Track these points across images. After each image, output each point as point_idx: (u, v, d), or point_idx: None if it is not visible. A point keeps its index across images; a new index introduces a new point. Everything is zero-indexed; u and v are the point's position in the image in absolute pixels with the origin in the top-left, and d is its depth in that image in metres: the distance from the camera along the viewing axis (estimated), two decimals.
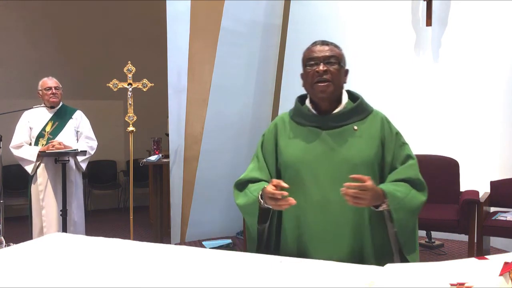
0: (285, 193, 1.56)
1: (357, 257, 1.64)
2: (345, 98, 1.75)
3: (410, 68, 4.64)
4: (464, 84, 4.45)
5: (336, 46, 1.74)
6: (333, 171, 1.64)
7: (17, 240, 2.05)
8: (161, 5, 4.64)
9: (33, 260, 1.57)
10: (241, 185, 1.79)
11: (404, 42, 4.65)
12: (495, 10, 4.28)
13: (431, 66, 4.60)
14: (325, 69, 1.65)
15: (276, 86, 5.01)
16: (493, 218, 3.45)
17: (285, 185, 1.58)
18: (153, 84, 4.21)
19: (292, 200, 1.55)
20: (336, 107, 1.72)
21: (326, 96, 1.68)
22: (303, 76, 1.75)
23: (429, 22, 4.46)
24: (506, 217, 3.43)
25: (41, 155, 3.60)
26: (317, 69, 1.66)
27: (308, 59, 1.70)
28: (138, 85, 4.19)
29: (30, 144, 3.69)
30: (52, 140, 3.61)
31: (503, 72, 4.30)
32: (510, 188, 3.67)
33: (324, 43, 1.72)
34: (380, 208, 1.61)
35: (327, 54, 1.68)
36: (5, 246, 1.87)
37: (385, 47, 4.63)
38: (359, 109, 1.73)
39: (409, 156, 1.72)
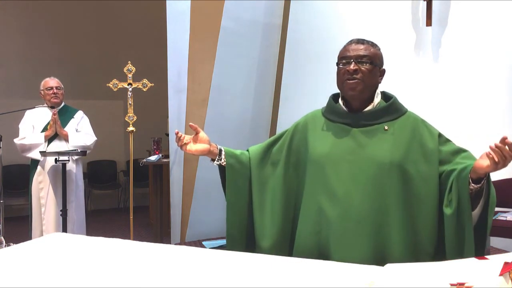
0: (178, 133, 1.77)
1: (379, 256, 1.59)
2: (377, 97, 1.74)
3: (410, 68, 4.63)
4: (464, 84, 4.45)
5: (372, 44, 1.74)
6: (358, 169, 1.62)
7: (17, 240, 2.05)
8: (161, 5, 4.64)
9: (33, 260, 1.57)
10: None
11: (404, 42, 4.65)
12: (495, 10, 4.28)
13: (431, 66, 4.60)
14: (356, 68, 1.65)
15: (276, 86, 5.00)
16: (493, 218, 3.45)
17: (193, 125, 1.78)
18: (153, 84, 4.21)
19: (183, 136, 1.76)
20: (368, 106, 1.72)
21: (355, 94, 1.67)
22: (336, 73, 1.74)
23: (429, 22, 4.46)
24: (506, 217, 3.43)
25: (42, 155, 3.61)
26: (347, 68, 1.66)
27: (341, 58, 1.71)
28: (138, 85, 4.19)
29: None
30: (57, 120, 3.61)
31: (503, 72, 4.30)
32: (510, 188, 3.67)
33: (359, 41, 1.72)
34: (480, 184, 1.56)
35: (360, 53, 1.67)
36: (5, 246, 1.86)
37: (385, 47, 4.61)
38: (391, 109, 1.72)
39: (461, 149, 1.71)
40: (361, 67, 1.65)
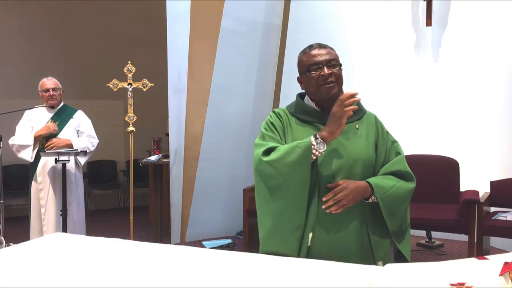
0: (357, 97, 1.64)
1: (365, 247, 1.73)
2: None
3: (410, 68, 4.63)
4: (464, 84, 4.45)
5: (331, 48, 1.80)
6: (341, 166, 1.71)
7: (17, 240, 2.05)
8: (161, 5, 4.64)
9: (33, 260, 1.57)
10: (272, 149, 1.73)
11: (404, 42, 4.65)
12: (495, 10, 4.28)
13: (431, 66, 4.60)
14: (330, 72, 1.72)
15: (276, 86, 5.01)
16: (493, 218, 3.45)
17: (355, 92, 1.64)
18: (153, 84, 4.21)
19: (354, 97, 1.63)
20: None
21: (333, 97, 1.72)
22: (304, 80, 1.78)
23: (429, 22, 4.46)
24: (506, 217, 3.43)
25: (42, 155, 3.60)
26: (322, 73, 1.71)
27: (312, 64, 1.74)
28: (138, 85, 4.19)
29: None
30: (51, 140, 3.61)
31: (503, 72, 4.30)
32: (510, 188, 3.67)
33: (321, 46, 1.78)
34: (370, 200, 1.70)
35: (328, 57, 1.74)
36: (5, 246, 1.86)
37: (385, 47, 4.63)
38: (359, 109, 1.81)
39: (397, 153, 1.83)
40: (333, 70, 1.73)
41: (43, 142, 3.67)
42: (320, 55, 1.74)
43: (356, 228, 1.72)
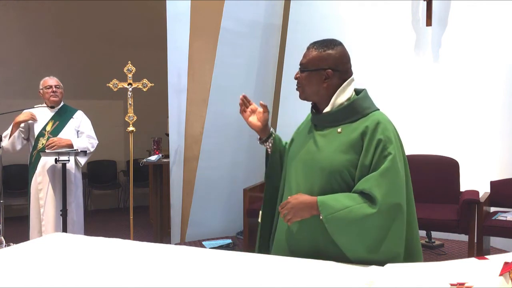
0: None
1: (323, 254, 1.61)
2: (340, 98, 1.67)
3: (410, 68, 4.63)
4: (464, 84, 4.45)
5: (319, 47, 1.68)
6: (307, 170, 1.68)
7: (17, 240, 2.05)
8: (161, 5, 4.64)
9: (33, 260, 1.57)
10: None
11: (404, 42, 4.65)
12: (495, 10, 4.28)
13: (431, 66, 4.60)
14: (296, 76, 1.74)
15: (276, 86, 5.01)
16: (493, 218, 3.45)
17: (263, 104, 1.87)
18: (153, 84, 4.21)
19: None
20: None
21: (302, 99, 1.76)
22: None
23: (429, 22, 4.47)
24: (506, 217, 3.43)
25: (42, 155, 3.60)
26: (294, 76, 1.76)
27: None
28: (138, 85, 4.19)
29: (30, 142, 3.73)
30: (52, 139, 3.61)
31: (502, 72, 4.30)
32: (510, 188, 3.67)
33: (309, 47, 1.72)
34: (321, 217, 1.57)
35: (301, 61, 1.73)
36: (5, 246, 1.87)
37: (385, 47, 4.63)
38: (348, 111, 1.65)
39: (379, 168, 1.56)
40: (300, 74, 1.73)
41: (43, 142, 3.67)
42: (302, 57, 1.73)
43: (311, 242, 1.63)
